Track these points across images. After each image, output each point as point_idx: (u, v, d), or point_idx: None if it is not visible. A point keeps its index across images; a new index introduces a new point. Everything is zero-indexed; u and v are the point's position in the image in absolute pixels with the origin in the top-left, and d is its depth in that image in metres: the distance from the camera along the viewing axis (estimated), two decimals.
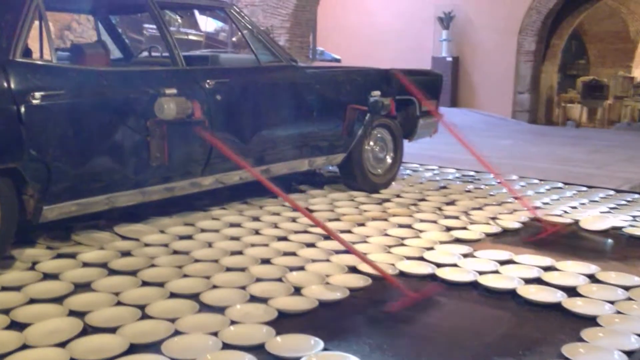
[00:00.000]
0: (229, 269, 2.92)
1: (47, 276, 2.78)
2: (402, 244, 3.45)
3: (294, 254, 3.20)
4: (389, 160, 4.92)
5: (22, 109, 2.65)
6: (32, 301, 2.49)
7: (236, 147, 3.69)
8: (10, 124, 2.63)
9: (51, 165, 2.78)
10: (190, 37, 11.04)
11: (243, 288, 2.68)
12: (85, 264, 2.95)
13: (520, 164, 6.67)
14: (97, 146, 2.99)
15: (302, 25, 8.44)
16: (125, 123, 3.05)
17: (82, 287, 2.67)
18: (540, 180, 5.53)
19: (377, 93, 4.32)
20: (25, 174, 2.71)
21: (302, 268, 2.97)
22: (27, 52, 3.24)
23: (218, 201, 4.19)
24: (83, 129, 2.89)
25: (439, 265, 3.10)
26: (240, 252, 3.18)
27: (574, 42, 17.26)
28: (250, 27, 3.86)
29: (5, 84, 2.63)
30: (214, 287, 2.68)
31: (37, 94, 2.70)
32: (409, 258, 3.20)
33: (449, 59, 12.32)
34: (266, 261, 3.06)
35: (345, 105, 4.32)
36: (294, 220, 3.87)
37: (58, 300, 2.51)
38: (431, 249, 3.37)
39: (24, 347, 2.11)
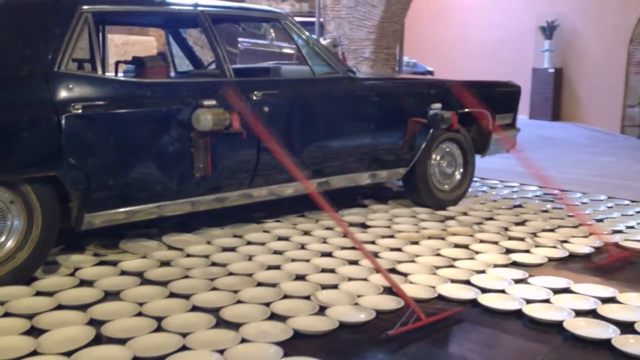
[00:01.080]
0: (260, 284, 2.86)
1: (83, 283, 2.85)
2: (452, 266, 3.25)
3: (332, 271, 3.09)
4: (457, 176, 4.69)
5: (63, 119, 2.74)
6: (59, 307, 2.55)
7: (289, 157, 3.64)
8: (51, 133, 2.72)
9: (90, 174, 2.85)
10: (284, 50, 11.19)
11: (267, 305, 2.60)
12: (124, 272, 2.99)
13: (617, 184, 6.16)
14: (138, 156, 3.03)
15: (388, 36, 8.31)
16: (167, 134, 3.09)
17: (112, 295, 2.70)
18: (633, 201, 5.06)
19: (437, 106, 4.12)
20: (64, 182, 2.79)
21: (335, 286, 2.86)
22: (81, 65, 3.37)
23: (275, 213, 4.16)
24: (123, 139, 2.95)
25: (484, 290, 2.88)
26: (277, 267, 3.11)
27: None
28: (305, 38, 3.81)
29: (48, 95, 2.73)
30: (239, 302, 2.63)
31: (78, 105, 2.79)
32: (454, 281, 3.00)
33: (551, 70, 11.69)
34: (301, 277, 2.97)
35: (405, 118, 4.16)
36: (345, 235, 3.75)
37: (83, 307, 2.55)
38: (482, 272, 3.15)
39: (34, 353, 2.14)
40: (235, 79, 3.40)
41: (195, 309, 2.55)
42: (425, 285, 2.91)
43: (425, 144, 4.32)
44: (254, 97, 3.41)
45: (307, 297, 2.72)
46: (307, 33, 3.84)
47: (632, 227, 4.17)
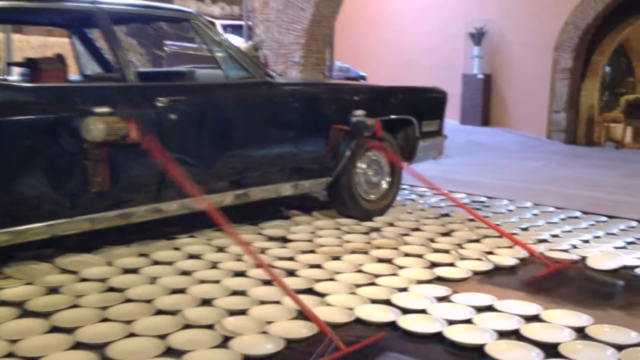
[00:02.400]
0: (159, 312, 2.58)
1: None
2: (373, 283, 3.05)
3: (243, 293, 2.84)
4: (384, 185, 4.52)
5: None
6: None
7: (196, 170, 3.38)
8: None
9: None
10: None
11: (164, 337, 2.33)
12: (3, 303, 2.65)
13: (543, 189, 6.16)
14: (24, 170, 2.71)
15: (318, 40, 8.13)
16: (57, 144, 2.77)
17: None
18: (558, 208, 5.02)
19: (360, 112, 3.94)
20: None
21: (243, 312, 2.61)
22: None
23: (189, 228, 3.88)
24: (3, 150, 2.62)
25: (405, 311, 2.69)
26: (182, 291, 2.83)
27: (623, 60, 16.45)
28: (217, 40, 3.55)
29: None
30: (131, 335, 2.34)
31: None
32: (374, 301, 2.80)
33: (481, 76, 11.82)
34: (207, 302, 2.71)
35: (328, 126, 3.95)
36: (262, 251, 3.52)
37: None
38: (404, 290, 2.96)
39: None
40: (136, 83, 3.11)
41: (78, 345, 2.25)
42: (342, 307, 2.70)
43: (350, 152, 4.14)
44: (158, 104, 3.12)
45: (211, 326, 2.45)
46: (220, 35, 3.58)
47: (556, 236, 4.10)
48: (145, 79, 3.67)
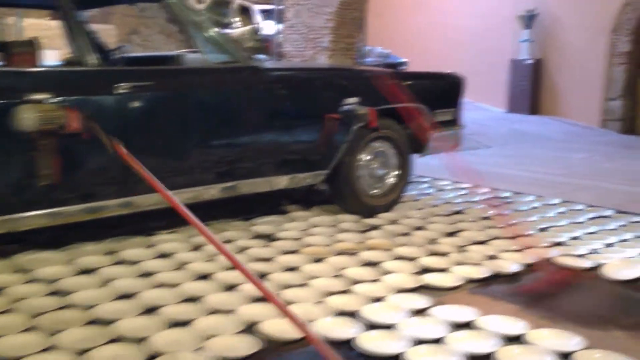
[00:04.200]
0: (92, 322, 2.35)
1: None
2: (348, 291, 2.74)
3: (197, 299, 2.59)
4: (391, 179, 4.17)
5: None
6: None
7: (171, 161, 3.15)
8: None
9: None
10: None
11: (83, 353, 2.09)
12: None
13: (581, 184, 5.65)
14: None
15: (348, 24, 7.78)
16: (7, 134, 2.56)
17: None
18: (589, 206, 4.55)
19: (352, 100, 3.60)
20: None
21: (186, 323, 2.35)
22: None
23: (176, 222, 3.65)
24: None
25: (373, 326, 2.38)
26: (132, 295, 2.60)
27: None
28: (196, 21, 3.29)
29: None
30: (50, 348, 2.12)
31: None
32: (341, 313, 2.50)
33: (530, 61, 11.16)
34: (153, 310, 2.47)
35: (321, 114, 3.64)
36: (242, 251, 3.26)
37: None
38: (380, 299, 2.64)
39: None
40: (95, 68, 2.88)
41: None
42: (303, 321, 2.40)
43: (348, 143, 3.82)
44: (120, 90, 2.89)
45: (142, 340, 2.21)
46: (200, 15, 3.31)
47: (576, 238, 3.66)
48: (131, 64, 3.45)
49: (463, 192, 4.97)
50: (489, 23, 11.60)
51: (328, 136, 3.66)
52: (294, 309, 2.49)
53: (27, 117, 2.46)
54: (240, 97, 3.36)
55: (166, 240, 3.39)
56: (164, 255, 3.15)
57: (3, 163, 2.63)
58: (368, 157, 4.04)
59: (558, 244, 3.54)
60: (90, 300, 2.52)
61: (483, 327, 2.37)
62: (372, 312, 2.49)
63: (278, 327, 2.28)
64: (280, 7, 8.47)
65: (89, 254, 3.11)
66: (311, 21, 7.89)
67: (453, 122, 4.44)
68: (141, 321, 2.36)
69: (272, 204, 4.20)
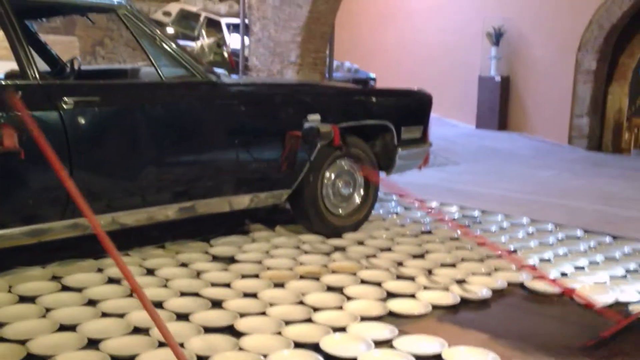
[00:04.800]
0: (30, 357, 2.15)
1: None
2: (309, 320, 2.58)
3: (146, 330, 2.39)
4: (356, 198, 4.03)
5: None
6: None
7: (119, 181, 2.96)
8: None
9: None
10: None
11: None
12: None
13: (549, 202, 5.60)
14: None
15: (316, 39, 7.65)
16: None
17: None
18: (557, 225, 4.47)
19: (314, 117, 3.46)
20: None
21: (131, 359, 2.16)
22: None
23: (129, 244, 3.46)
24: None
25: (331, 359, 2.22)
26: (73, 328, 2.39)
27: None
28: (150, 33, 3.11)
29: None
30: None
31: None
32: (299, 345, 2.33)
33: (498, 78, 11.19)
34: (94, 343, 2.27)
35: (283, 131, 3.49)
36: (198, 275, 3.07)
37: None
38: (342, 330, 2.48)
39: None
40: (38, 82, 2.69)
41: None
42: (256, 353, 2.23)
43: (311, 161, 3.67)
44: (64, 105, 2.70)
45: None
46: (154, 28, 3.14)
47: (547, 260, 3.56)
48: (84, 78, 3.27)
49: (431, 210, 4.86)
50: (458, 39, 11.63)
51: (290, 154, 3.51)
52: (246, 341, 2.32)
53: None
54: (196, 113, 3.19)
55: (113, 265, 3.18)
56: (113, 281, 2.95)
57: None
58: (333, 176, 3.90)
59: (526, 266, 3.43)
60: (25, 332, 2.31)
61: None
62: (332, 344, 2.33)
63: None
64: (247, 21, 8.33)
65: (32, 279, 2.89)
66: (278, 35, 7.76)
67: (421, 140, 4.32)
68: (83, 355, 2.16)
69: (235, 223, 4.03)
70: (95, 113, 2.79)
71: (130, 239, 3.50)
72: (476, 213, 4.81)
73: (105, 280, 2.95)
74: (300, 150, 3.54)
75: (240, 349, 2.28)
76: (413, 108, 4.27)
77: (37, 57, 3.94)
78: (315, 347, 2.32)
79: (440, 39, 11.94)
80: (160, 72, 3.11)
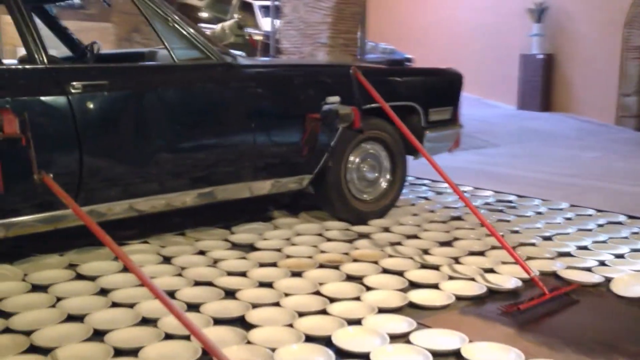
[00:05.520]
0: (33, 349, 2.10)
1: None
2: (323, 311, 2.47)
3: (154, 322, 2.32)
4: (383, 183, 3.89)
5: None
6: None
7: (133, 168, 2.90)
8: None
9: None
10: (255, 37, 10.38)
11: None
12: None
13: (592, 185, 5.34)
14: None
15: (347, 19, 7.47)
16: None
17: None
18: (599, 211, 4.23)
19: (334, 99, 3.32)
20: None
21: (136, 351, 2.08)
22: None
23: (152, 230, 3.41)
24: None
25: (343, 354, 2.10)
26: (81, 319, 2.34)
27: None
28: (163, 14, 3.02)
29: None
30: None
31: None
32: (310, 339, 2.22)
33: (541, 56, 10.80)
34: (100, 333, 2.20)
35: (302, 114, 3.36)
36: (215, 262, 3.00)
37: None
38: (357, 322, 2.36)
39: None
40: (46, 66, 2.62)
41: None
42: (264, 347, 2.13)
43: (334, 145, 3.54)
44: (72, 90, 2.63)
45: None
46: (167, 8, 3.04)
47: (584, 248, 3.36)
48: (103, 61, 3.20)
49: (465, 194, 4.67)
50: (498, 17, 11.25)
51: (310, 138, 3.38)
52: (255, 334, 2.22)
53: None
54: (211, 95, 3.09)
55: (136, 251, 3.14)
56: (127, 270, 2.89)
57: None
58: (357, 160, 3.76)
59: (564, 254, 3.24)
60: (33, 323, 2.26)
61: (469, 357, 2.08)
62: (345, 338, 2.21)
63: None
64: (277, 2, 8.19)
65: (48, 267, 2.86)
66: (308, 17, 7.60)
67: (451, 121, 4.13)
68: (86, 347, 2.10)
69: (259, 209, 3.94)
70: (104, 97, 2.72)
71: (150, 226, 3.45)
72: (512, 198, 4.60)
73: (120, 269, 2.89)
74: (321, 134, 3.41)
75: (249, 342, 2.18)
76: (442, 88, 4.09)
77: (59, 42, 3.95)
78: (327, 341, 2.20)
79: (480, 16, 11.59)
80: (172, 54, 3.02)
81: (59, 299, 2.51)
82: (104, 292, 2.62)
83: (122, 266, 2.91)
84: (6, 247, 3.00)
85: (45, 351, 2.07)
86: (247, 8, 10.85)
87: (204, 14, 11.48)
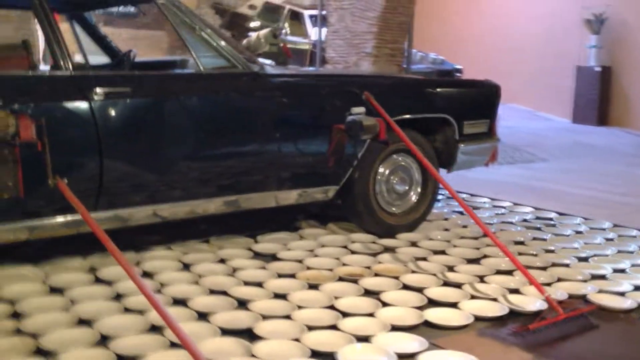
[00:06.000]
0: (39, 352, 2.12)
1: None
2: (334, 326, 2.41)
3: (161, 329, 2.31)
4: (413, 196, 3.80)
5: None
6: None
7: (155, 174, 2.92)
8: None
9: None
10: (299, 46, 10.44)
11: None
12: None
13: None
14: None
15: (393, 29, 7.40)
16: None
17: None
18: None
19: (359, 110, 3.26)
20: None
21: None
22: None
23: (175, 236, 3.43)
24: None
25: None
26: (88, 323, 2.35)
27: None
28: (189, 23, 3.03)
29: None
30: None
31: None
32: (316, 354, 2.17)
33: (598, 68, 10.44)
34: (105, 339, 2.21)
35: (329, 125, 3.32)
36: (234, 271, 2.98)
37: None
38: (367, 339, 2.29)
39: None
40: (71, 73, 2.67)
41: None
42: None
43: (361, 156, 3.48)
44: (94, 96, 2.67)
45: None
46: (195, 17, 3.06)
47: (622, 271, 3.18)
48: (138, 69, 3.25)
49: (502, 211, 4.53)
50: (553, 27, 10.95)
51: (337, 148, 3.33)
52: (260, 348, 2.19)
53: None
54: (235, 104, 3.09)
55: (157, 257, 3.16)
56: (146, 275, 2.91)
57: None
58: (387, 172, 3.69)
59: (598, 277, 3.08)
60: (43, 326, 2.29)
61: None
62: (351, 355, 2.15)
63: None
64: (324, 12, 8.19)
65: (69, 270, 2.90)
66: (354, 26, 7.56)
67: (487, 134, 4.01)
68: (89, 353, 2.11)
69: (286, 219, 3.91)
70: (126, 104, 2.75)
71: (175, 233, 3.47)
72: (552, 215, 4.43)
73: (139, 274, 2.89)
74: (348, 145, 3.36)
75: (252, 355, 2.14)
76: (478, 100, 3.97)
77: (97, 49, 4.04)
78: (332, 357, 2.15)
79: (534, 27, 11.30)
80: (199, 62, 3.03)
81: (73, 302, 2.54)
82: (119, 297, 2.63)
83: (140, 271, 2.94)
84: (33, 250, 3.08)
85: (51, 355, 2.09)
86: (297, 17, 10.91)
87: (256, 23, 11.60)
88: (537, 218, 4.35)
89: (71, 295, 2.61)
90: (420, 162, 3.77)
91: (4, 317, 2.38)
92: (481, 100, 3.99)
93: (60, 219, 2.76)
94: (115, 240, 3.16)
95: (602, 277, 3.08)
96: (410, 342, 2.28)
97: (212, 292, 2.72)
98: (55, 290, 2.67)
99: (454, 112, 3.76)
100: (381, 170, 3.67)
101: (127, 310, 2.50)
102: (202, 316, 2.46)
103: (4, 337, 2.20)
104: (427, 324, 2.48)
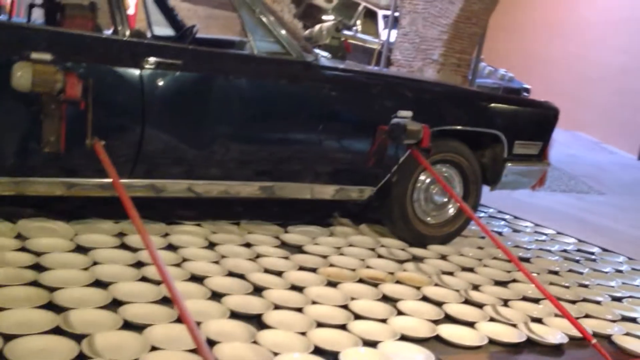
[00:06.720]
0: (52, 306, 2.17)
1: None
2: (344, 327, 2.38)
3: (171, 305, 2.33)
4: (451, 208, 3.72)
5: None
6: None
7: (194, 150, 2.94)
8: None
9: None
10: (368, 45, 10.38)
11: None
12: None
13: None
14: None
15: (463, 39, 7.27)
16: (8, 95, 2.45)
17: None
18: None
19: (405, 114, 3.19)
20: None
21: (142, 327, 2.11)
22: None
23: (210, 213, 3.46)
24: None
25: None
26: (105, 285, 2.40)
27: None
28: (251, 4, 3.04)
29: None
30: None
31: None
32: (319, 351, 2.15)
33: None
34: (113, 304, 2.25)
35: (374, 124, 3.28)
36: (257, 257, 2.98)
37: None
38: (371, 345, 2.26)
39: None
40: (126, 39, 2.72)
41: None
42: (267, 350, 2.08)
43: (403, 160, 3.43)
44: (145, 65, 2.71)
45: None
46: (257, 1, 3.07)
47: None
48: (199, 44, 3.29)
49: (543, 237, 4.39)
50: (631, 60, 10.52)
51: (379, 150, 3.29)
52: (268, 335, 2.18)
53: (21, 75, 2.33)
54: (282, 91, 3.09)
55: (186, 232, 3.19)
56: (171, 247, 2.95)
57: (8, 122, 2.53)
58: (428, 181, 3.62)
59: (629, 319, 2.94)
60: (61, 281, 2.34)
61: None
62: (353, 358, 2.11)
63: None
64: (397, 13, 8.12)
65: (97, 232, 2.97)
66: (425, 31, 7.47)
67: (538, 157, 3.89)
68: (98, 314, 2.15)
69: (321, 213, 3.89)
70: (175, 76, 2.78)
71: (209, 210, 3.50)
72: (595, 250, 4.26)
73: (164, 246, 2.94)
74: (391, 147, 3.31)
75: (255, 342, 2.14)
76: (533, 121, 3.85)
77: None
78: (335, 357, 2.12)
79: (616, 58, 10.89)
80: (253, 44, 3.04)
81: (95, 263, 2.59)
82: (139, 265, 2.67)
83: (166, 242, 2.98)
84: (70, 206, 3.16)
85: (62, 309, 2.14)
86: (371, 16, 10.85)
87: (330, 17, 11.60)
88: (579, 250, 4.20)
89: (94, 256, 2.66)
90: (463, 176, 3.70)
91: (26, 267, 2.44)
92: (537, 121, 3.86)
93: (96, 180, 2.82)
94: (150, 209, 3.23)
95: (633, 319, 2.95)
96: (416, 354, 2.23)
97: (231, 274, 2.73)
98: (80, 249, 2.73)
99: (505, 129, 3.66)
100: (422, 178, 3.60)
101: (143, 278, 2.53)
102: (216, 296, 2.47)
103: (21, 286, 2.26)
104: (438, 338, 2.43)
